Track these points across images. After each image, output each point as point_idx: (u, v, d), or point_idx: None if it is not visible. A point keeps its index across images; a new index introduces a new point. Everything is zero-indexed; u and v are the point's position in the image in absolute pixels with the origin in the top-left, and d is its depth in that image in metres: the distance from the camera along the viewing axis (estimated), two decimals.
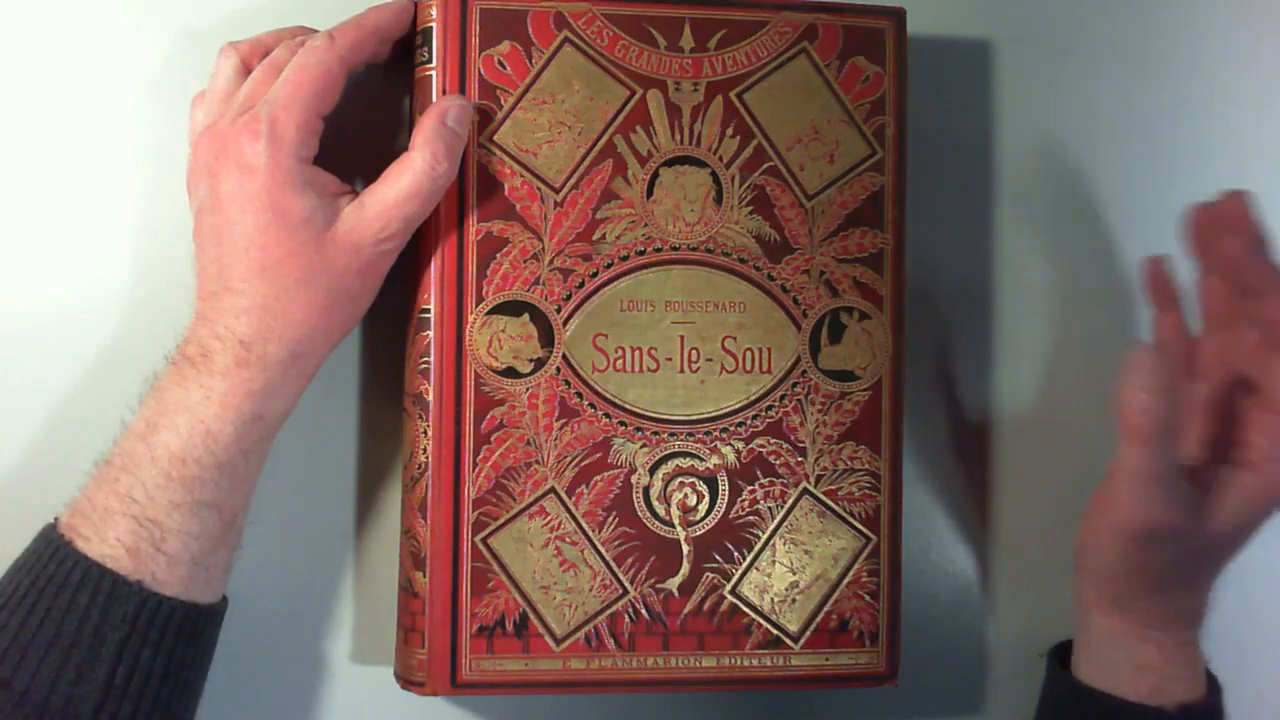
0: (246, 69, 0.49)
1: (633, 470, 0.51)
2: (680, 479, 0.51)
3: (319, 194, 0.47)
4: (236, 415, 0.45)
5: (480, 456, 0.50)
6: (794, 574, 0.52)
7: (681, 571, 0.51)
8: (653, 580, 0.51)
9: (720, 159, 0.51)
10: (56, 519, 0.46)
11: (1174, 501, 0.47)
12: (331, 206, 0.47)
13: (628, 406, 0.51)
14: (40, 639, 0.43)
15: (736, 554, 0.51)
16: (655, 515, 0.51)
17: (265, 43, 0.50)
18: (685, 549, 0.51)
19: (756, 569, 0.52)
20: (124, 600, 0.44)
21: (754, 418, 0.52)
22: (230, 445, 0.45)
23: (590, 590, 0.51)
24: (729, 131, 0.51)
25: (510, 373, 0.50)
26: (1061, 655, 0.54)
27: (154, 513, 0.44)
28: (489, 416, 0.50)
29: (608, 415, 0.51)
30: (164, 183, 0.52)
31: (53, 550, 0.45)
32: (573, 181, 0.50)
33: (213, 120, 0.48)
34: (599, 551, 0.51)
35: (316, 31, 0.49)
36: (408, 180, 0.47)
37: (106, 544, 0.44)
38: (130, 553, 0.44)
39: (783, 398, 0.52)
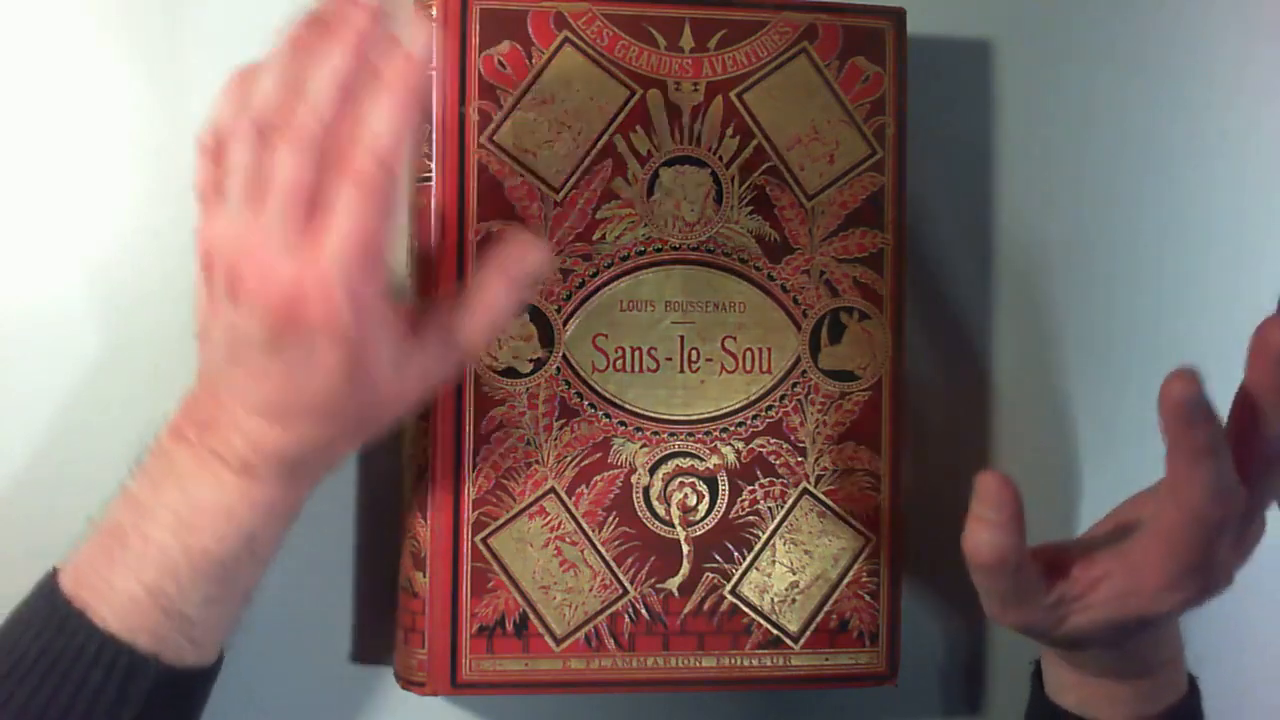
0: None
1: (633, 470, 0.51)
2: (680, 479, 0.51)
3: (395, 346, 0.42)
4: (281, 520, 0.45)
5: (480, 456, 0.50)
6: (794, 574, 0.52)
7: (681, 571, 0.51)
8: (653, 580, 0.51)
9: (720, 159, 0.51)
10: (58, 577, 0.44)
11: (1018, 611, 0.45)
12: (402, 354, 0.43)
13: (628, 406, 0.51)
14: (50, 716, 0.42)
15: (736, 554, 0.51)
16: (655, 515, 0.51)
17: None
18: (685, 549, 0.51)
19: (756, 569, 0.52)
20: (142, 678, 0.42)
21: (754, 418, 0.52)
22: (271, 542, 0.45)
23: (590, 590, 0.51)
24: (729, 131, 0.51)
25: (510, 373, 0.50)
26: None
27: (186, 607, 0.43)
28: (489, 416, 0.50)
29: (608, 415, 0.51)
30: (164, 183, 0.52)
31: (61, 620, 0.43)
32: (573, 181, 0.50)
33: (238, 230, 0.40)
34: (599, 551, 0.51)
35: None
36: (450, 360, 0.45)
37: (130, 630, 0.42)
38: (154, 636, 0.43)
39: (783, 398, 0.52)
